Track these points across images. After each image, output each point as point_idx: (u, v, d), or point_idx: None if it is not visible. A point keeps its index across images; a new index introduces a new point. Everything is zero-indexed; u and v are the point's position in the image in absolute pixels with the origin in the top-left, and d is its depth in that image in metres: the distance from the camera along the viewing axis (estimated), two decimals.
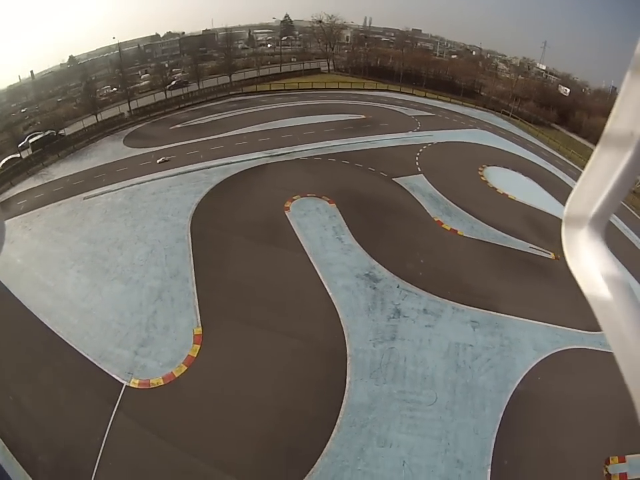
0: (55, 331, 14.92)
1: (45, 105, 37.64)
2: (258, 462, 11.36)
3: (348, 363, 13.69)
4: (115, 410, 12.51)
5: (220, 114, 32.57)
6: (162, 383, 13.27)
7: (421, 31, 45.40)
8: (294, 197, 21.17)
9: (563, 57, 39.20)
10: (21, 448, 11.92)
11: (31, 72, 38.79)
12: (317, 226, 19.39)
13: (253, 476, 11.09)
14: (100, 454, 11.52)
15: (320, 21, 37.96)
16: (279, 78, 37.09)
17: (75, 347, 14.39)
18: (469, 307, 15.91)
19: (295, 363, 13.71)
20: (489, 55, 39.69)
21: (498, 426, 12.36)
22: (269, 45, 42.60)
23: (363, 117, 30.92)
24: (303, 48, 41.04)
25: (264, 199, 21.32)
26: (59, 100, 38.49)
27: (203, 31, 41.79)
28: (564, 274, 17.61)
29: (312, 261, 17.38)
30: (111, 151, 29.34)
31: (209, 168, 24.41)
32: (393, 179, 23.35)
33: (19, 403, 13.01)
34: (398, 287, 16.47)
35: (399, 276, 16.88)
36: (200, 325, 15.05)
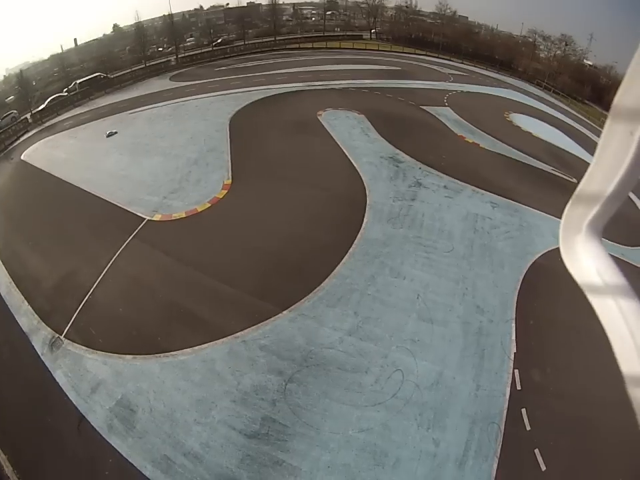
0: (91, 192, 15.95)
1: (90, 64, 36.03)
2: (262, 277, 11.63)
3: (366, 210, 14.37)
4: (130, 238, 13.24)
5: (263, 60, 34.62)
6: (184, 216, 14.22)
7: (467, 18, 45.58)
8: (327, 109, 22.34)
9: (609, 50, 37.50)
10: (24, 279, 12.60)
11: (74, 40, 37.78)
12: (346, 126, 20.46)
13: (255, 289, 11.25)
14: (104, 272, 12.09)
15: None
16: (322, 40, 39.11)
17: (106, 199, 15.40)
18: (488, 192, 16.29)
19: (314, 205, 14.53)
20: (530, 39, 39.49)
21: (519, 286, 11.97)
22: (313, 19, 44.89)
23: (399, 68, 32.21)
24: (347, 21, 43.11)
25: (299, 108, 22.65)
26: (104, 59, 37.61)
27: (247, 3, 44.18)
28: None
29: (339, 144, 18.37)
30: (157, 85, 31.29)
31: (250, 91, 26.05)
32: (421, 107, 24.23)
33: (37, 245, 13.80)
34: (420, 168, 17.14)
35: (422, 162, 17.56)
36: (231, 178, 16.21)
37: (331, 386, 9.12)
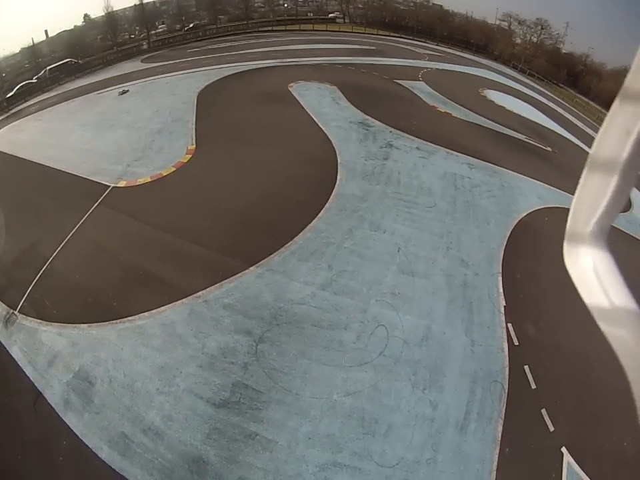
0: (55, 167, 14.90)
1: (62, 54, 35.20)
2: (231, 234, 10.93)
3: (338, 168, 13.75)
4: (95, 205, 12.39)
5: (236, 42, 33.80)
6: (149, 180, 13.40)
7: (441, 6, 45.23)
8: (298, 81, 21.70)
9: (584, 37, 37.13)
10: None
11: (45, 31, 36.17)
12: (317, 95, 19.83)
13: (223, 247, 10.55)
14: (64, 242, 11.16)
15: None
16: (294, 24, 38.54)
17: (70, 172, 14.42)
18: (463, 155, 15.89)
19: (283, 165, 13.80)
20: (505, 23, 39.45)
21: (505, 242, 11.51)
22: (285, 5, 44.34)
23: (374, 48, 31.84)
24: (320, 7, 42.75)
25: (269, 81, 21.89)
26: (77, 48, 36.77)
27: None
28: (563, 164, 17.20)
29: (308, 112, 17.73)
30: (128, 67, 30.15)
31: (220, 68, 25.23)
32: (395, 80, 23.83)
33: None
34: (390, 132, 16.64)
35: (392, 126, 17.06)
36: (194, 143, 15.38)
37: (307, 345, 8.33)
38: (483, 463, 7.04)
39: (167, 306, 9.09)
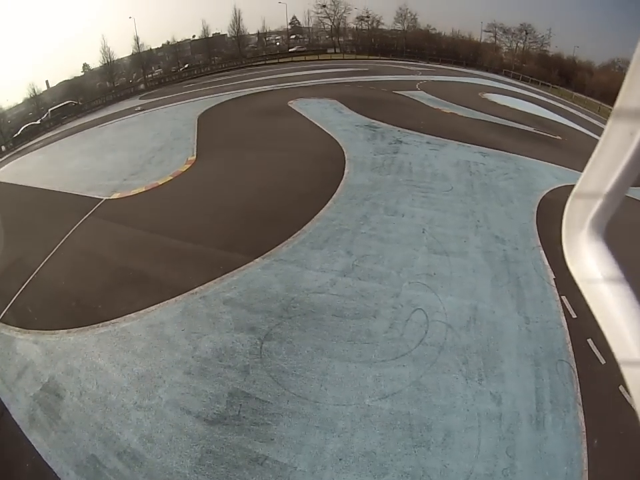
0: (52, 189, 14.27)
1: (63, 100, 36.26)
2: (230, 229, 10.00)
3: (346, 163, 13.03)
4: (86, 217, 11.62)
5: (231, 76, 34.58)
6: (143, 190, 12.70)
7: (428, 25, 45.66)
8: (298, 99, 21.60)
9: (567, 38, 37.22)
10: None
11: (46, 82, 37.35)
12: (318, 108, 19.62)
13: (221, 242, 9.57)
14: (53, 251, 10.39)
15: (324, 5, 41.28)
16: (287, 56, 39.68)
17: (66, 191, 13.80)
18: (474, 145, 15.23)
19: (287, 163, 13.31)
20: (492, 33, 40.03)
21: (535, 217, 10.59)
22: (277, 44, 45.97)
23: (367, 69, 32.28)
24: (311, 42, 44.20)
25: (269, 101, 21.87)
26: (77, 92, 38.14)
27: (213, 34, 45.02)
28: (574, 149, 16.50)
29: (312, 121, 17.33)
30: (127, 104, 30.84)
31: (218, 96, 25.44)
32: (394, 92, 23.74)
33: None
34: (398, 130, 16.09)
35: (399, 126, 16.54)
36: (195, 155, 14.86)
37: (327, 339, 6.95)
38: (570, 463, 5.48)
39: (157, 305, 7.90)
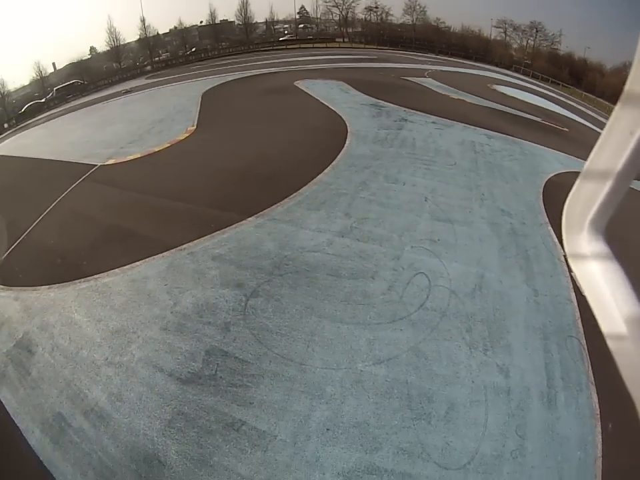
0: (48, 158, 14.02)
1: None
2: (224, 189, 9.69)
3: (348, 136, 12.74)
4: (79, 181, 11.32)
5: (238, 59, 34.37)
6: (139, 156, 12.42)
7: (438, 19, 45.23)
8: (304, 79, 21.36)
9: (578, 38, 36.74)
10: None
11: (53, 64, 37.47)
12: (325, 88, 19.30)
13: (214, 201, 9.30)
14: (44, 213, 10.10)
15: None
16: (295, 43, 39.45)
17: (62, 160, 13.52)
18: (481, 128, 14.95)
19: (288, 133, 12.89)
20: (501, 29, 39.61)
21: (541, 196, 10.18)
22: (286, 32, 45.66)
23: (375, 57, 32.02)
24: (319, 31, 43.90)
25: (275, 81, 21.63)
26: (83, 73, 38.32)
27: (221, 20, 44.58)
28: (580, 140, 16.23)
29: (317, 98, 17.08)
30: (133, 84, 30.67)
31: (225, 75, 25.24)
32: (402, 77, 23.46)
33: None
34: (404, 110, 15.80)
35: (405, 106, 16.27)
36: (195, 125, 14.64)
37: (318, 298, 6.50)
38: (584, 447, 4.91)
39: (142, 261, 7.63)
